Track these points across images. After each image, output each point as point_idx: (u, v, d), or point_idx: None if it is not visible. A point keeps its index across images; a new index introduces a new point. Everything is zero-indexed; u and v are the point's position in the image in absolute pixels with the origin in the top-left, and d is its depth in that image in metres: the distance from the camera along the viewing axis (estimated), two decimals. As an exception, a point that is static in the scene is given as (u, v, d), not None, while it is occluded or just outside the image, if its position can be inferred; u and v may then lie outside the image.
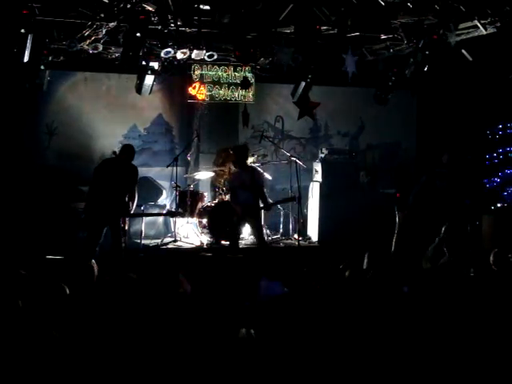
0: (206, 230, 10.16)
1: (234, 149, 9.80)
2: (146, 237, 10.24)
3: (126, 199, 8.56)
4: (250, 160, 10.70)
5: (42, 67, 9.52)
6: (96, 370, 3.54)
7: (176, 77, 11.14)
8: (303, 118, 10.62)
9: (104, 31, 9.06)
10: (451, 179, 8.93)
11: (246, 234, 10.45)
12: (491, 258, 5.81)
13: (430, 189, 8.91)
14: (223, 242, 9.93)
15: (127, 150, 8.78)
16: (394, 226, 9.45)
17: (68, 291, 4.47)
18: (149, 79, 9.94)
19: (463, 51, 9.50)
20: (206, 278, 7.40)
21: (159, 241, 10.24)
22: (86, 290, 4.65)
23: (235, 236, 9.45)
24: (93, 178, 8.69)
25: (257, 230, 9.38)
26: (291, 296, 4.75)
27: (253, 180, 9.18)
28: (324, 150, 11.08)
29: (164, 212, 9.93)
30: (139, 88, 10.13)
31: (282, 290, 5.20)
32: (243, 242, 10.20)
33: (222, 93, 11.03)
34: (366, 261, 5.91)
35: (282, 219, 10.89)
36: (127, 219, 8.92)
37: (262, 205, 9.28)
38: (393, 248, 9.16)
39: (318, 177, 10.89)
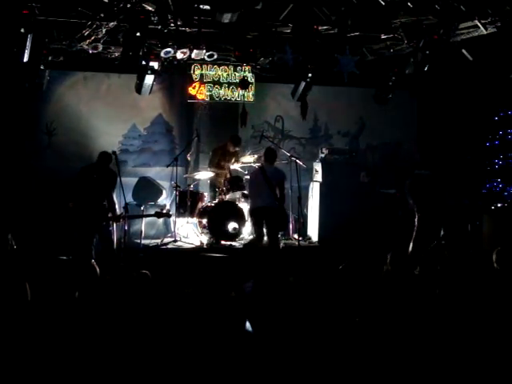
0: (205, 230, 10.16)
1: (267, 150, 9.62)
2: (146, 237, 10.23)
3: (105, 203, 8.58)
4: (250, 160, 10.73)
5: (42, 67, 9.51)
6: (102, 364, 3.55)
7: (176, 77, 11.14)
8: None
9: (104, 31, 9.06)
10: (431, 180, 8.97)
11: (246, 234, 10.46)
12: (494, 257, 5.79)
13: (415, 191, 8.94)
14: (223, 242, 9.94)
15: (102, 157, 8.73)
16: (400, 226, 9.42)
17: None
18: (149, 79, 9.94)
19: (463, 51, 9.50)
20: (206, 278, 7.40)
21: (159, 241, 10.23)
22: (90, 290, 4.65)
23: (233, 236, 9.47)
24: (75, 185, 8.67)
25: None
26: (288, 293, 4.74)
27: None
28: (324, 150, 11.07)
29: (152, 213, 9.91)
30: (139, 88, 10.13)
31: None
32: (243, 241, 10.20)
33: (222, 93, 11.02)
34: (388, 260, 5.87)
35: (281, 219, 10.86)
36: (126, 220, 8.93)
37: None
38: (410, 249, 9.05)
39: (318, 177, 10.88)
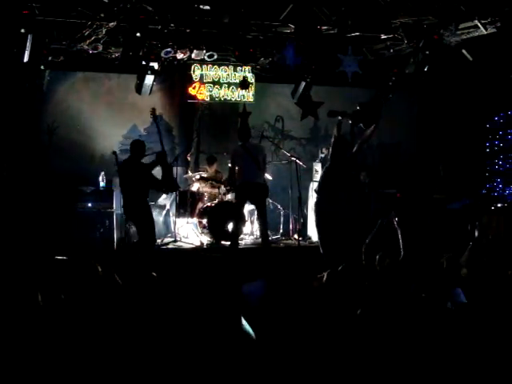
0: (205, 230, 10.16)
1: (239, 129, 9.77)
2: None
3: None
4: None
5: (42, 67, 9.52)
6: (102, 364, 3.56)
7: (176, 77, 11.14)
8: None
9: (104, 31, 9.06)
10: None
11: (246, 234, 10.46)
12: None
13: None
14: (223, 242, 9.94)
15: (131, 147, 8.50)
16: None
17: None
18: (149, 79, 9.94)
19: (463, 51, 9.50)
20: (206, 278, 7.39)
21: (159, 241, 10.22)
22: (91, 289, 4.65)
23: (235, 236, 9.45)
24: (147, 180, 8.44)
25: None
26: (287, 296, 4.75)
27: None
28: (324, 150, 11.06)
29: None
30: (139, 88, 10.14)
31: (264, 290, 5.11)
32: (243, 242, 10.20)
33: (222, 93, 11.03)
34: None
35: (282, 219, 10.89)
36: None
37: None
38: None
39: (318, 177, 10.86)
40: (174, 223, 10.26)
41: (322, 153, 11.08)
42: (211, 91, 10.96)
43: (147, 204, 8.57)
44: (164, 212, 10.77)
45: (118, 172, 8.63)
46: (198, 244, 10.10)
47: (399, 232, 9.23)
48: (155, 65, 9.92)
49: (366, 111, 8.86)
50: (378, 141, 12.33)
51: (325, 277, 5.13)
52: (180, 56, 9.92)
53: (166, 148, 11.26)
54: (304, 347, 3.82)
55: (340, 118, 8.63)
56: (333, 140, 8.68)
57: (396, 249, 8.93)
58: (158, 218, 10.88)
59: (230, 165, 9.45)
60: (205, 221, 10.13)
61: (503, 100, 11.43)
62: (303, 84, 10.55)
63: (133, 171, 8.32)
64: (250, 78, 11.03)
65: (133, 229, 9.77)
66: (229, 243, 9.61)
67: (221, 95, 11.04)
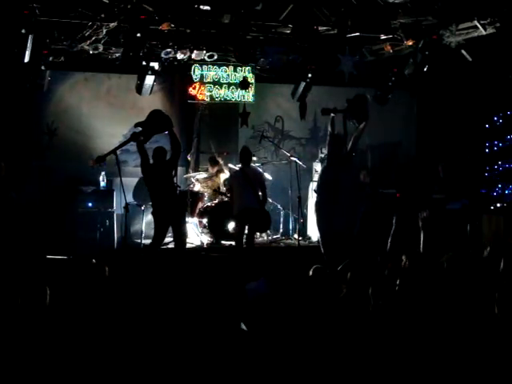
0: (206, 230, 10.18)
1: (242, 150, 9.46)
2: (146, 237, 10.23)
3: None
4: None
5: (43, 67, 9.53)
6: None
7: (176, 77, 11.16)
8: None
9: (104, 31, 9.07)
10: None
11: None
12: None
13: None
14: (223, 242, 9.95)
15: (155, 153, 8.54)
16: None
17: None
18: (149, 79, 9.97)
19: (463, 51, 9.52)
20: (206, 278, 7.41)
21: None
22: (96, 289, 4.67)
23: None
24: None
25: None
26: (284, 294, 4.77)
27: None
28: (324, 150, 11.05)
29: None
30: (139, 88, 10.16)
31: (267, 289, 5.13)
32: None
33: (222, 93, 11.03)
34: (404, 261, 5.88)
35: (281, 219, 10.90)
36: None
37: None
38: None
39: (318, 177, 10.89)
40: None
41: (321, 153, 11.08)
42: (211, 91, 10.97)
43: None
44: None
45: (145, 180, 8.60)
46: (198, 244, 10.11)
47: (422, 233, 9.16)
48: (155, 65, 9.94)
49: (355, 107, 8.81)
50: (378, 141, 12.35)
51: (311, 272, 5.17)
52: (180, 56, 9.94)
53: (166, 148, 11.38)
54: (296, 341, 3.84)
55: (333, 114, 8.61)
56: (328, 138, 8.69)
57: (415, 249, 8.87)
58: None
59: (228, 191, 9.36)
60: (205, 221, 10.15)
61: (503, 100, 11.44)
62: (303, 84, 10.56)
63: (161, 175, 8.35)
64: (250, 78, 11.04)
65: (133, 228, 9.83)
66: (232, 243, 9.59)
67: (221, 95, 11.04)
